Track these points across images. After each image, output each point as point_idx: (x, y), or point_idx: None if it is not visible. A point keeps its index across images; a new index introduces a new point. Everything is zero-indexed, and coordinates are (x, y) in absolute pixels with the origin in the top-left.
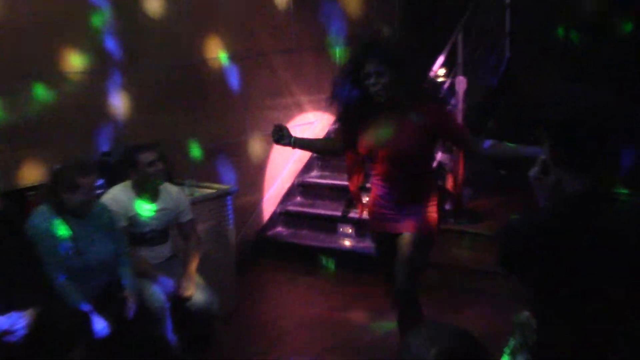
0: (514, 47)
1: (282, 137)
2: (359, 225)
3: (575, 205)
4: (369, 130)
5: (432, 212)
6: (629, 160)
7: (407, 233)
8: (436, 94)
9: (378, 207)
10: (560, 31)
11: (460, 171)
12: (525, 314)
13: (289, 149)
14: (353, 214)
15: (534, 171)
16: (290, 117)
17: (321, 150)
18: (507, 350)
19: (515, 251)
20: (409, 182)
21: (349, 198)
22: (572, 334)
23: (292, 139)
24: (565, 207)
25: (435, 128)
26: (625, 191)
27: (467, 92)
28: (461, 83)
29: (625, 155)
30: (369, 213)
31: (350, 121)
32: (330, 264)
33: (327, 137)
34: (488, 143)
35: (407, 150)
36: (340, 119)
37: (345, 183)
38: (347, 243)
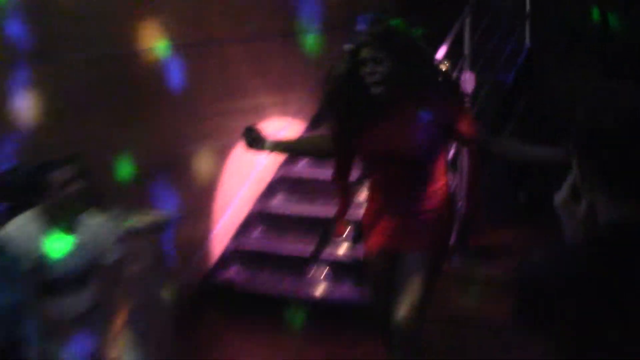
0: (536, 34)
1: (254, 140)
2: (336, 267)
3: (613, 241)
4: (368, 129)
5: (443, 225)
6: None
7: (412, 254)
8: (449, 88)
9: (376, 220)
10: (595, 14)
11: (470, 192)
12: None
13: (247, 163)
14: (328, 254)
15: (560, 195)
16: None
17: (309, 152)
18: None
19: (534, 302)
20: (416, 189)
21: (328, 225)
22: None
23: (267, 143)
24: (600, 244)
25: (447, 127)
26: None
27: (476, 92)
28: (468, 80)
29: None
30: (364, 227)
31: (346, 118)
32: (299, 318)
33: (315, 135)
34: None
35: (413, 150)
36: (335, 114)
37: (319, 214)
38: (320, 291)
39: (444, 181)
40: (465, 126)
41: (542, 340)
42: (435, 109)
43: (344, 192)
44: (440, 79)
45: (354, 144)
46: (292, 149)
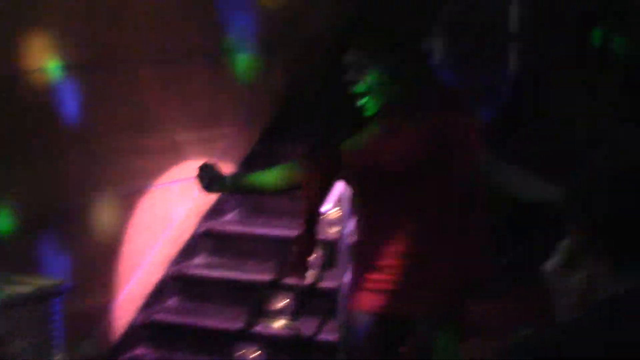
0: (524, 59)
1: (212, 180)
2: (272, 346)
3: (617, 316)
4: (355, 144)
5: (471, 271)
6: None
7: (426, 317)
8: (453, 100)
9: (371, 272)
10: (597, 36)
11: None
12: None
13: (160, 215)
14: (261, 328)
15: (553, 263)
16: (163, 167)
17: (275, 188)
18: None
19: None
20: (425, 222)
21: (263, 292)
22: None
23: (226, 180)
24: (600, 322)
25: (447, 141)
26: None
27: None
28: None
29: None
30: (353, 282)
31: (328, 135)
32: None
33: (277, 166)
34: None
35: (408, 163)
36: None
37: (251, 278)
38: None
39: (462, 219)
40: (469, 142)
41: None
42: (434, 120)
43: (312, 228)
44: (439, 86)
45: (338, 163)
46: (255, 186)
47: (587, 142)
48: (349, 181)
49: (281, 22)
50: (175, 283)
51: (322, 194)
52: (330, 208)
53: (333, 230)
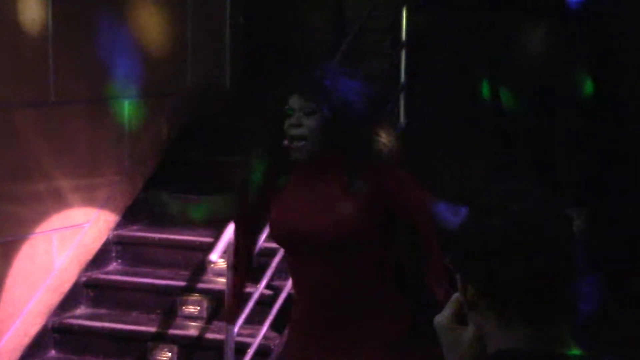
0: (413, 111)
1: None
2: None
3: None
4: (284, 202)
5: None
6: (590, 302)
7: None
8: (391, 154)
9: (298, 332)
10: (485, 89)
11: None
12: None
13: (40, 265)
14: None
15: (442, 317)
16: (44, 214)
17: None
18: None
19: None
20: (350, 291)
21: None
22: None
23: None
24: None
25: (388, 200)
26: (577, 352)
27: None
28: None
29: (588, 293)
30: (288, 337)
31: (259, 184)
32: None
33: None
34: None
35: (344, 234)
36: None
37: (133, 328)
38: None
39: (394, 294)
40: (413, 196)
41: None
42: (375, 177)
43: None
44: (380, 143)
45: (266, 219)
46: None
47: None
48: (280, 242)
49: (168, 68)
50: (55, 334)
51: (250, 231)
52: (218, 257)
53: (220, 280)
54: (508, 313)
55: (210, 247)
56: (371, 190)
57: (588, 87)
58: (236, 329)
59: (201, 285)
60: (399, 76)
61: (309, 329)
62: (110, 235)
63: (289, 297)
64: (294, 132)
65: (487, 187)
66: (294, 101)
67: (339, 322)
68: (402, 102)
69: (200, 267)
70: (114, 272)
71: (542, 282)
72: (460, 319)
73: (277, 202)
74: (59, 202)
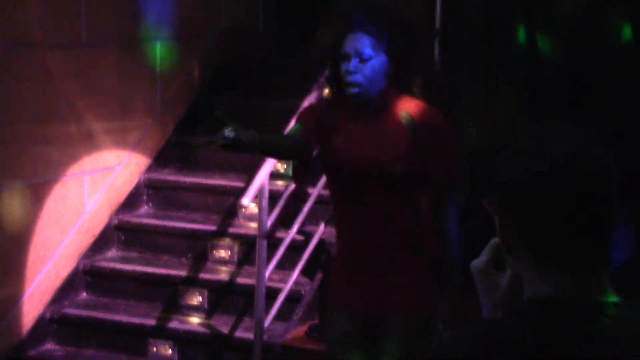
0: (448, 54)
1: (238, 137)
2: (186, 344)
3: (539, 319)
4: (343, 135)
5: (430, 286)
6: (625, 250)
7: (398, 318)
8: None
9: (348, 269)
10: (521, 35)
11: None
12: None
13: (71, 207)
14: (175, 325)
15: (479, 262)
16: (75, 157)
17: (288, 154)
18: None
19: None
20: (402, 221)
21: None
22: None
23: (252, 133)
24: (523, 323)
25: (426, 147)
26: (615, 299)
27: None
28: None
29: (621, 242)
30: (333, 276)
31: (317, 121)
32: None
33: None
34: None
35: (393, 165)
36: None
37: (165, 273)
38: None
39: (430, 226)
40: (440, 161)
41: None
42: (423, 120)
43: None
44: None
45: (319, 149)
46: (274, 146)
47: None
48: (326, 172)
49: (200, 10)
50: (87, 277)
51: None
52: (249, 202)
53: (251, 225)
54: (545, 257)
55: (241, 192)
56: (422, 132)
57: (626, 32)
58: (267, 274)
59: (232, 230)
60: (434, 21)
61: (356, 265)
62: (142, 179)
63: (320, 243)
64: (350, 79)
65: (522, 129)
66: (350, 45)
67: (390, 246)
68: (436, 48)
69: (231, 212)
70: (145, 215)
71: (580, 224)
72: (497, 264)
73: (335, 136)
74: (90, 144)
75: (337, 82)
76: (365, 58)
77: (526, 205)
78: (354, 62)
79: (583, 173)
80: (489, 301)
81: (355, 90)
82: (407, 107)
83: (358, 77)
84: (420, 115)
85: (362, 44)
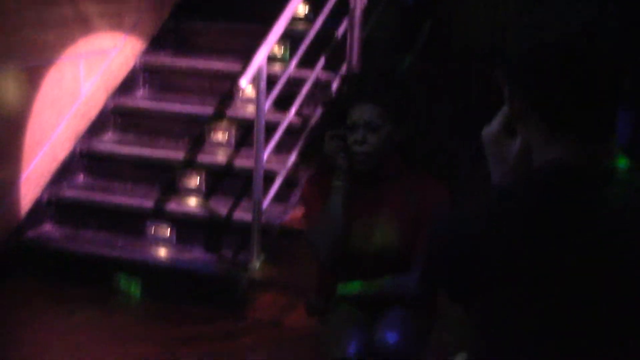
0: None
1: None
2: (184, 225)
3: (549, 185)
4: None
5: None
6: (623, 134)
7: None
8: (446, 166)
9: None
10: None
11: None
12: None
13: (67, 90)
14: (173, 207)
15: (490, 129)
16: (70, 40)
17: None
18: None
19: (451, 261)
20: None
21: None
22: None
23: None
24: (532, 189)
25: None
26: (625, 165)
27: (367, 14)
28: None
29: (620, 126)
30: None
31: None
32: (134, 288)
33: None
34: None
35: (395, 252)
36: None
37: (161, 154)
38: (162, 254)
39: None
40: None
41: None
42: (421, 192)
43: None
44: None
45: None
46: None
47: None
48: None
49: None
50: (84, 159)
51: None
52: (247, 83)
53: (249, 108)
54: (554, 126)
55: (238, 75)
56: (421, 208)
57: None
58: (265, 157)
59: (230, 113)
60: None
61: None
62: (138, 62)
63: (317, 126)
64: (358, 149)
65: (532, 9)
66: (358, 115)
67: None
68: None
69: (229, 95)
70: (141, 98)
71: (590, 93)
72: (508, 131)
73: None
74: (85, 27)
75: (346, 151)
76: (374, 128)
77: (535, 74)
78: (362, 132)
79: (597, 43)
80: (499, 169)
81: (364, 159)
82: (412, 180)
83: (366, 147)
84: (423, 189)
85: (371, 114)
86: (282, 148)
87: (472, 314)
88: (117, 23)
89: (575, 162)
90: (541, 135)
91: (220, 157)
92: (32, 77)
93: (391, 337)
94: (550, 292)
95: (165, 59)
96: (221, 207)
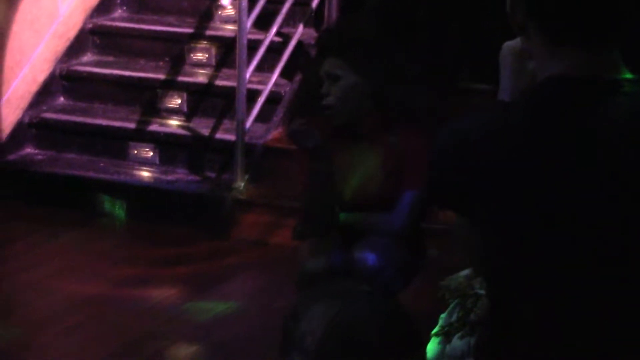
0: None
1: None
2: (167, 146)
3: (554, 98)
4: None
5: None
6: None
7: None
8: (422, 110)
9: None
10: None
11: None
12: (463, 274)
13: (45, 11)
14: (156, 128)
15: (511, 45)
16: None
17: None
18: (437, 330)
19: (452, 167)
20: None
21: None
22: (547, 302)
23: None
24: (534, 100)
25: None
26: (630, 76)
27: None
28: None
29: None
30: None
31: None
32: (118, 209)
33: None
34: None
35: (373, 200)
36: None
37: (141, 74)
38: (145, 174)
39: None
40: (411, 172)
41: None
42: (402, 142)
43: None
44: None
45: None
46: None
47: None
48: None
49: None
50: (63, 81)
51: None
52: (228, 2)
53: (228, 27)
54: (557, 38)
55: None
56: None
57: None
58: (247, 76)
59: (209, 32)
60: None
61: None
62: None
63: (298, 44)
64: (324, 101)
65: None
66: (324, 67)
67: None
68: None
69: (208, 14)
70: (119, 19)
71: (591, 4)
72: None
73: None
74: None
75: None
76: (335, 78)
77: None
78: (326, 85)
79: None
80: (511, 83)
81: (331, 112)
82: (394, 135)
83: (328, 100)
84: (406, 141)
85: (331, 65)
86: (264, 66)
87: (475, 222)
88: None
89: (579, 74)
90: (543, 49)
91: (202, 76)
92: None
93: (371, 258)
94: (550, 198)
95: None
96: (204, 128)
